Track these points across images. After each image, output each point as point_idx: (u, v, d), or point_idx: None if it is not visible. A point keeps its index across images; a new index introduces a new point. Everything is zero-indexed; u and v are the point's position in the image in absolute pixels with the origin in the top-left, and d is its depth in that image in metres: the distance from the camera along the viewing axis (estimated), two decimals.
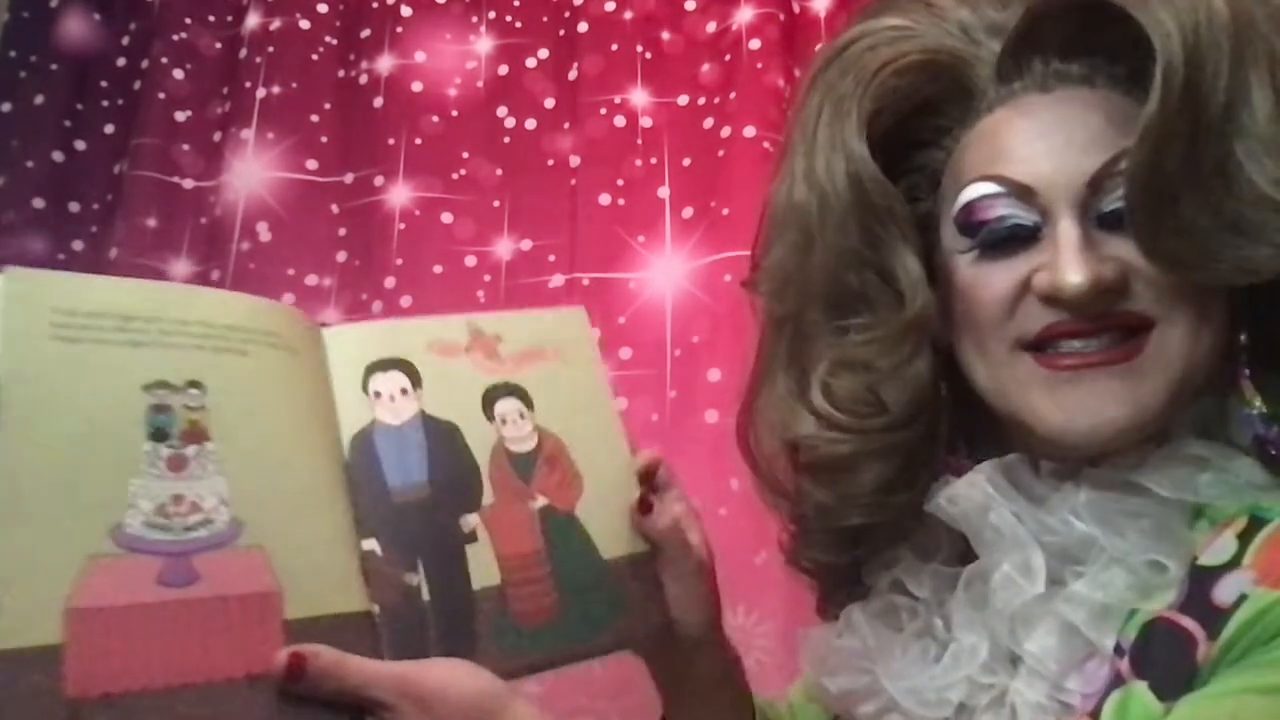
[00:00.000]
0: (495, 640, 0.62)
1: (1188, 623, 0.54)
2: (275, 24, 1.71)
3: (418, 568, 0.61)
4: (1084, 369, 0.57)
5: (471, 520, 0.64)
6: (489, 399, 0.68)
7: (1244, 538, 0.55)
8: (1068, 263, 0.57)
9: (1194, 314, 0.57)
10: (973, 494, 0.61)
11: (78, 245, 1.68)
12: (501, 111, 1.68)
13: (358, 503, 0.60)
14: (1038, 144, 0.60)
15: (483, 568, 0.63)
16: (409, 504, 0.62)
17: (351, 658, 0.53)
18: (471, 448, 0.66)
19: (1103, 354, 0.57)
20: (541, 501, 0.67)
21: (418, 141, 1.67)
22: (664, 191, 1.60)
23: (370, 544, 0.59)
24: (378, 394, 0.64)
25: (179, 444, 0.53)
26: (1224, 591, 0.53)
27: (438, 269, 1.61)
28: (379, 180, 1.65)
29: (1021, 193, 0.59)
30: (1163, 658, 0.54)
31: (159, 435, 0.53)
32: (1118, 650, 0.56)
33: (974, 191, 0.61)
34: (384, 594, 0.59)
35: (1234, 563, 0.54)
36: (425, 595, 0.60)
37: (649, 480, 0.72)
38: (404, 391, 0.65)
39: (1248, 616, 0.52)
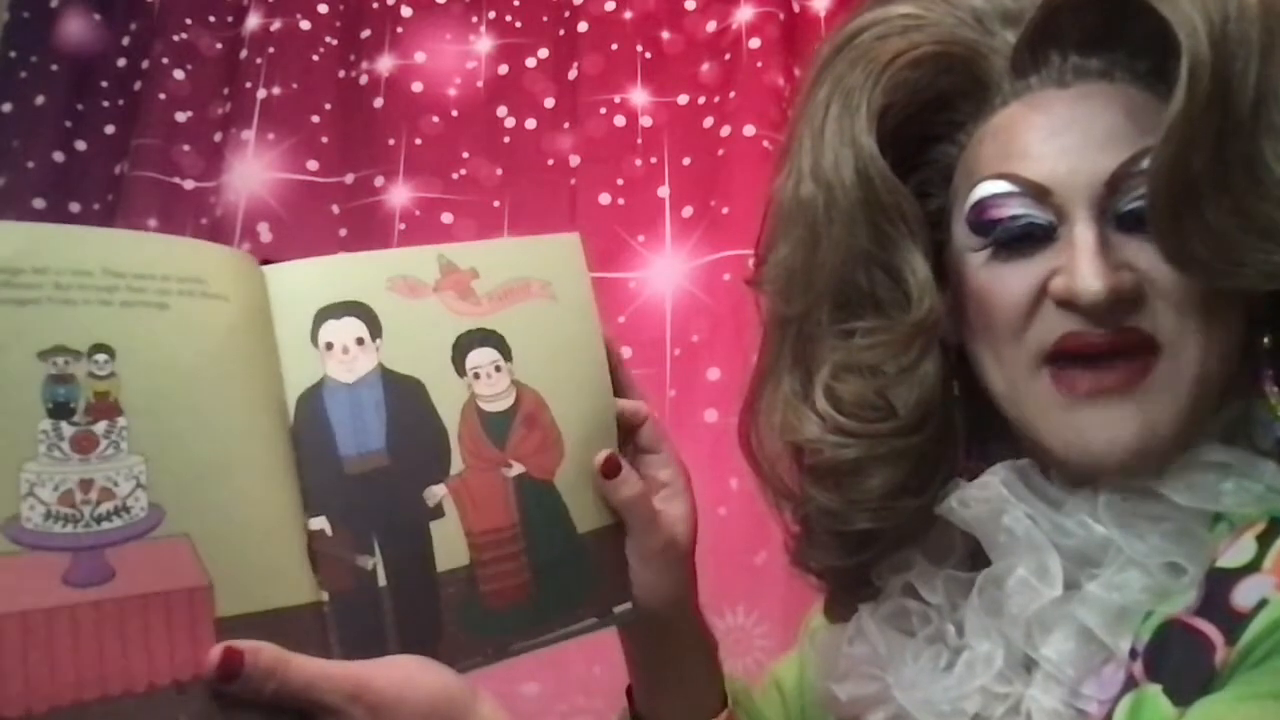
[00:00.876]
0: (462, 627, 0.56)
1: (1205, 626, 0.53)
2: (276, 25, 1.71)
3: (373, 549, 0.54)
4: (1099, 394, 0.56)
5: (438, 493, 0.57)
6: (460, 349, 0.60)
7: (1263, 540, 0.54)
8: (1085, 268, 0.55)
9: (1205, 330, 0.56)
10: (985, 496, 0.60)
11: None
12: (501, 111, 1.69)
13: (305, 475, 0.53)
14: (1054, 142, 0.58)
15: (449, 547, 0.56)
16: (364, 475, 0.55)
17: (296, 655, 0.48)
18: (438, 407, 0.58)
19: (1115, 377, 0.56)
20: (517, 469, 0.60)
21: (418, 141, 1.67)
22: (664, 191, 1.60)
23: (319, 523, 0.53)
24: (329, 345, 0.56)
25: (85, 420, 0.45)
26: (1243, 595, 0.52)
27: None
28: (379, 180, 1.65)
29: (1036, 192, 0.58)
30: (1178, 661, 0.53)
31: (61, 411, 0.45)
32: (1131, 653, 0.55)
33: (986, 190, 0.59)
34: (335, 580, 0.53)
35: (1253, 566, 0.53)
36: (382, 580, 0.54)
37: (630, 437, 0.66)
38: (360, 342, 0.57)
39: (1268, 622, 0.50)
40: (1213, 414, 0.58)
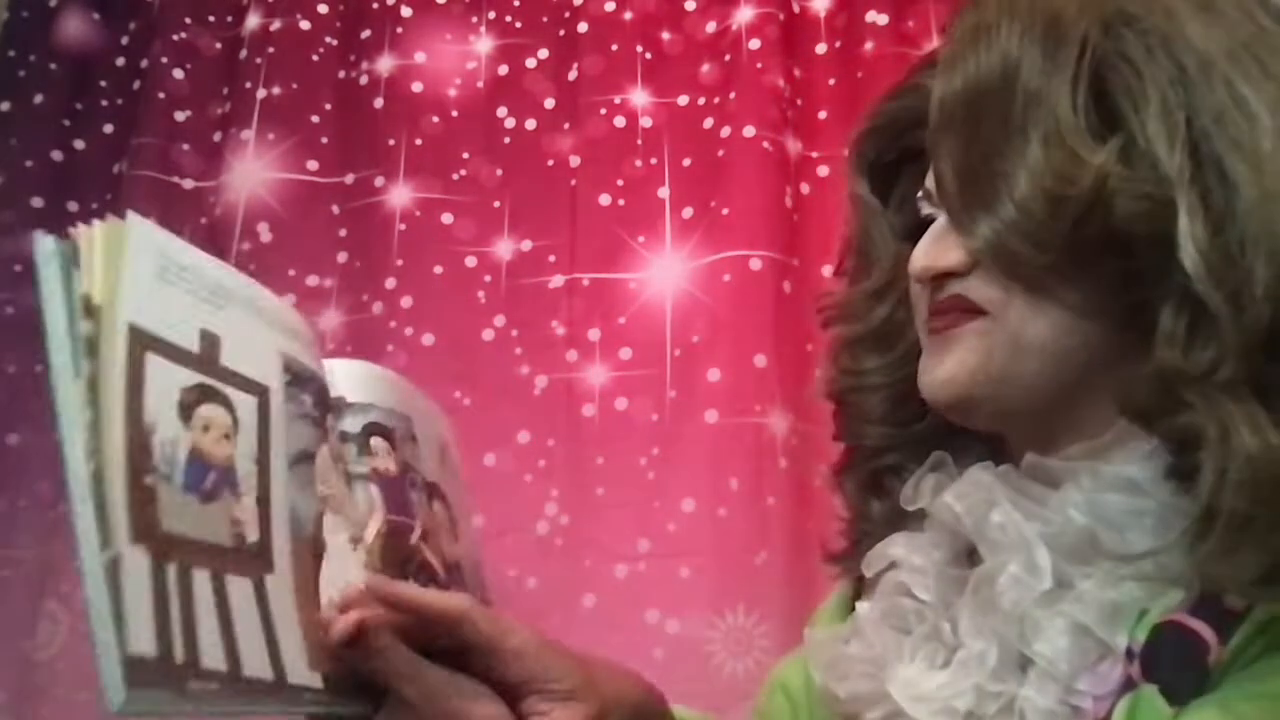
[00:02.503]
0: None
1: (1198, 625, 0.54)
2: (275, 24, 1.71)
3: None
4: (930, 336, 0.64)
5: None
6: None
7: None
8: (919, 247, 0.64)
9: (1032, 301, 0.60)
10: (975, 494, 0.62)
11: None
12: (501, 112, 1.68)
13: None
14: None
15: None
16: None
17: (399, 647, 0.58)
18: None
19: (940, 322, 0.63)
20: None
21: (418, 142, 1.67)
22: (664, 191, 1.60)
23: None
24: None
25: None
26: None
27: (438, 270, 1.61)
28: (379, 181, 1.65)
29: (928, 195, 0.66)
30: (1173, 661, 0.54)
31: None
32: (1128, 654, 0.56)
33: (919, 194, 0.69)
34: None
35: None
36: None
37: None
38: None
39: (1261, 621, 0.52)
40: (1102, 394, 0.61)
